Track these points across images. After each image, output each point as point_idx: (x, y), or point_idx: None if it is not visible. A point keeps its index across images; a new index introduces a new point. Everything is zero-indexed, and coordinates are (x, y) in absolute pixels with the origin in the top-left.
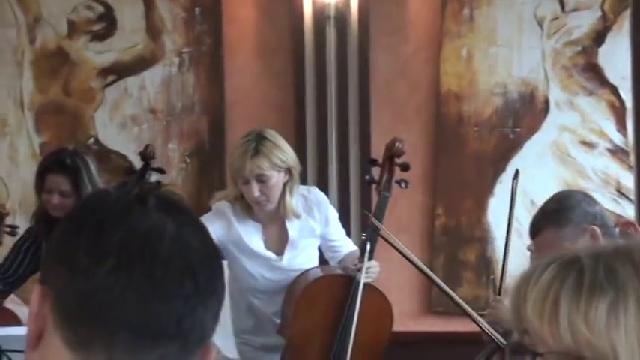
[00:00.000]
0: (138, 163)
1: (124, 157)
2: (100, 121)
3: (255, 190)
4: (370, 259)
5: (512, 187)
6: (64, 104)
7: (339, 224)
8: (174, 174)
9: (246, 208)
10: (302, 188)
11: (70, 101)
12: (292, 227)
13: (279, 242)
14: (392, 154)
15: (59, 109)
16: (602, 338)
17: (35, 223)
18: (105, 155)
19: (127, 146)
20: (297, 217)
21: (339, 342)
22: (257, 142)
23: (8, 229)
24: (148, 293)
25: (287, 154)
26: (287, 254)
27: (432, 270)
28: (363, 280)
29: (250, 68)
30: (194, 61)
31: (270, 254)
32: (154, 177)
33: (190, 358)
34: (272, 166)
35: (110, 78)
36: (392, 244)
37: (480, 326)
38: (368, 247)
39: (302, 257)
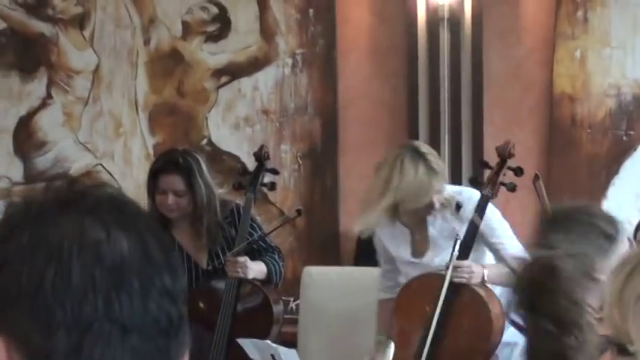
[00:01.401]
0: (250, 164)
1: (236, 157)
2: (213, 122)
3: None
4: (464, 258)
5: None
6: (177, 105)
7: (499, 225)
8: (286, 175)
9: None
10: (454, 190)
11: (184, 102)
12: (434, 227)
13: (423, 242)
14: (502, 156)
15: (173, 110)
16: None
17: None
18: (218, 156)
19: (240, 147)
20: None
21: (429, 345)
22: (423, 159)
23: None
24: (136, 337)
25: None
26: (429, 253)
27: None
28: (448, 279)
29: (363, 69)
30: (307, 62)
31: (413, 258)
32: (267, 178)
33: None
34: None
35: (224, 79)
36: None
37: None
38: (457, 245)
39: (442, 256)
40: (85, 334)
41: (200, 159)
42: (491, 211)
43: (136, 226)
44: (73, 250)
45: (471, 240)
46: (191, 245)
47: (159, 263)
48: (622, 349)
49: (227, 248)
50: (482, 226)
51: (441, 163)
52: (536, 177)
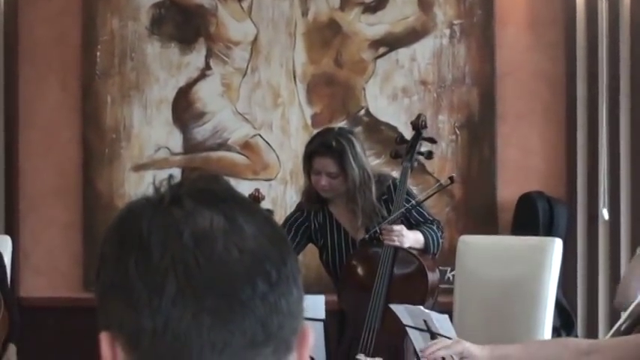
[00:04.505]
0: (408, 134)
1: (394, 128)
2: (371, 93)
3: None
4: None
5: None
6: (335, 75)
7: None
8: (443, 145)
9: None
10: None
11: (342, 73)
12: None
13: None
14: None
15: (330, 81)
16: None
17: (305, 200)
18: (375, 126)
19: (398, 118)
20: None
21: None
22: None
23: None
24: (223, 309)
25: None
26: None
27: None
28: None
29: (521, 40)
30: (465, 32)
31: None
32: (424, 147)
33: (289, 353)
34: None
35: (381, 50)
36: None
37: None
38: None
39: None
40: (170, 311)
41: (354, 140)
42: None
43: (224, 203)
44: (151, 230)
45: None
46: (347, 222)
47: (251, 236)
48: None
49: None
50: None
51: None
52: None
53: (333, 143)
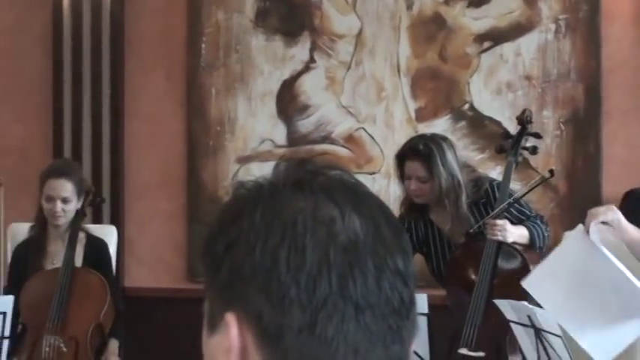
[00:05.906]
0: (512, 129)
1: (498, 123)
2: (475, 87)
3: None
4: None
5: None
6: (439, 70)
7: None
8: (548, 141)
9: None
10: None
11: (446, 67)
12: None
13: None
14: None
15: (435, 75)
16: None
17: (405, 210)
18: (479, 121)
19: (502, 112)
20: None
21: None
22: None
23: None
24: (368, 318)
25: None
26: None
27: None
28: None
29: (628, 35)
30: (570, 27)
31: None
32: (529, 142)
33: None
34: None
35: (486, 44)
36: None
37: None
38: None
39: None
40: (319, 311)
41: (445, 146)
42: None
43: (369, 206)
44: (307, 226)
45: None
46: (448, 228)
47: (391, 245)
48: None
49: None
50: None
51: None
52: None
53: (421, 147)
